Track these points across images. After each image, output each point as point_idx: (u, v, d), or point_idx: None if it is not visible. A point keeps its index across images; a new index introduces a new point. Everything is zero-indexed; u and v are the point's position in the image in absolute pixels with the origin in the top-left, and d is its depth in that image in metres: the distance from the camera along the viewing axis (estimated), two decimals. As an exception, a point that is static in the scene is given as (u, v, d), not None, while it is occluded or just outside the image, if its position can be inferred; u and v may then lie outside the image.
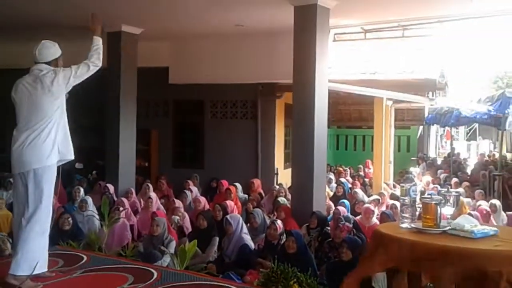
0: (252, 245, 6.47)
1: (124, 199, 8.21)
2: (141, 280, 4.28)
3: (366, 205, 8.37)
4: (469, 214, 7.10)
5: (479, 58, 42.27)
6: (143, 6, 8.19)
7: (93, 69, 4.24)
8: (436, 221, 2.83)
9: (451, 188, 10.79)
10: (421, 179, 13.18)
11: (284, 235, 6.16)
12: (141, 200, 8.98)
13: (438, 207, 2.84)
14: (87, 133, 11.04)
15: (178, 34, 10.47)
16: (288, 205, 7.99)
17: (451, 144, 17.41)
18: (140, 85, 9.89)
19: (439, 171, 14.60)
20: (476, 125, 23.20)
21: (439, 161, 17.92)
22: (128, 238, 6.98)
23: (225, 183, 9.82)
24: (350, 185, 11.30)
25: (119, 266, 4.71)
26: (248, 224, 7.03)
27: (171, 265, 5.76)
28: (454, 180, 11.93)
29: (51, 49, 4.20)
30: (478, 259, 2.49)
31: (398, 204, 7.30)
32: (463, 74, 31.53)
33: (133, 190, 9.22)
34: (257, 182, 10.45)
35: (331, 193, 10.24)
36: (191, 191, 9.27)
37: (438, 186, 11.34)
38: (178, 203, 8.00)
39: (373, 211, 7.86)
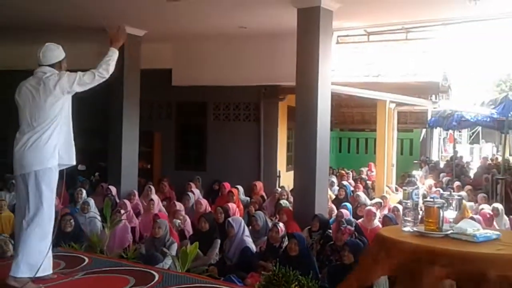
0: (253, 247, 6.46)
1: (127, 201, 8.21)
2: (143, 282, 4.28)
3: (368, 207, 8.37)
4: (472, 218, 7.11)
5: (483, 61, 42.21)
6: (146, 8, 8.20)
7: (98, 80, 4.19)
8: (438, 224, 2.82)
9: (453, 191, 10.78)
10: (423, 183, 13.15)
11: (286, 237, 6.15)
12: (143, 202, 8.98)
13: (441, 210, 2.83)
14: (89, 135, 11.06)
15: (181, 36, 10.48)
16: (290, 208, 7.97)
17: (454, 148, 17.38)
18: (143, 87, 9.91)
19: (441, 175, 14.56)
20: (479, 128, 23.18)
21: (441, 165, 17.89)
22: (129, 241, 6.98)
23: (227, 185, 9.81)
24: (352, 188, 11.27)
25: (121, 268, 4.71)
26: (250, 227, 7.02)
27: (172, 267, 5.75)
28: (457, 183, 11.91)
29: (55, 52, 4.20)
30: (480, 263, 2.48)
31: (400, 207, 7.31)
32: (467, 77, 31.50)
33: (136, 192, 9.22)
34: (259, 184, 10.43)
35: (333, 196, 10.22)
36: (193, 193, 9.26)
37: (441, 190, 11.31)
38: (179, 206, 7.98)
39: (374, 213, 7.85)
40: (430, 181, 12.97)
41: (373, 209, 8.13)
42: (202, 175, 11.34)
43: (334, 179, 12.43)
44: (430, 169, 16.17)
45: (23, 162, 3.97)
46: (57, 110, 4.04)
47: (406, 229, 2.98)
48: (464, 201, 8.75)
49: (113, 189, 9.18)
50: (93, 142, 11.36)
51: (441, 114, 14.87)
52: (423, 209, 3.08)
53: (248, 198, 9.69)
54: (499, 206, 8.55)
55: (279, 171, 11.25)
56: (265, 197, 9.93)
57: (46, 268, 4.07)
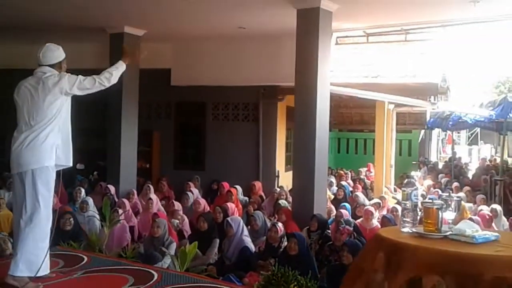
0: (252, 247, 6.47)
1: (125, 200, 8.22)
2: (142, 281, 4.28)
3: (367, 206, 8.39)
4: (470, 219, 7.13)
5: (482, 63, 42.26)
6: (146, 7, 8.21)
7: (98, 86, 4.20)
8: (437, 226, 2.83)
9: (452, 192, 10.79)
10: (422, 183, 13.17)
11: (285, 238, 6.17)
12: (142, 201, 8.98)
13: (440, 211, 2.84)
14: (88, 134, 11.08)
15: (180, 36, 10.48)
16: (289, 208, 7.98)
17: (453, 149, 17.40)
18: (142, 87, 9.91)
19: (440, 175, 14.58)
20: (478, 129, 23.20)
21: (440, 165, 17.91)
22: (127, 240, 6.98)
23: (226, 185, 9.82)
24: (351, 189, 11.29)
25: (120, 267, 4.72)
26: (249, 227, 7.03)
27: (171, 266, 5.76)
28: (455, 184, 11.93)
29: (55, 52, 4.21)
30: (479, 264, 2.49)
31: (399, 208, 7.33)
32: (466, 78, 31.55)
33: (135, 191, 9.23)
34: (258, 184, 10.44)
35: (332, 196, 10.24)
36: (192, 193, 9.26)
37: (439, 191, 11.35)
38: (177, 205, 7.98)
39: (373, 212, 7.88)
40: (429, 182, 12.99)
41: (372, 208, 8.16)
42: (201, 174, 11.34)
43: (333, 179, 12.43)
44: (428, 170, 16.19)
45: (20, 161, 3.98)
46: (55, 110, 4.04)
47: (405, 230, 2.99)
48: (463, 202, 8.78)
49: (112, 188, 9.19)
50: (92, 141, 11.38)
51: (439, 115, 14.89)
52: (422, 209, 3.09)
53: (246, 198, 9.70)
54: (498, 207, 8.58)
55: (278, 171, 11.26)
56: (264, 197, 9.93)
57: (44, 268, 4.07)
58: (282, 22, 8.48)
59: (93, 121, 11.05)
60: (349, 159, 19.25)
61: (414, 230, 2.93)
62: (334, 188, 11.35)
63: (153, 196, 8.74)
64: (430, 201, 3.13)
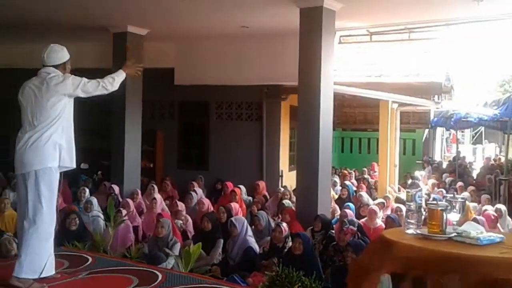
0: (256, 247, 6.46)
1: (130, 200, 8.22)
2: (146, 282, 4.28)
3: (371, 206, 8.38)
4: (475, 219, 7.11)
5: (486, 62, 42.14)
6: (149, 7, 8.21)
7: (101, 90, 4.24)
8: (442, 227, 2.82)
9: (456, 192, 10.77)
10: (426, 183, 13.15)
11: (289, 238, 6.16)
12: (146, 201, 8.99)
13: (444, 213, 2.84)
14: (92, 134, 11.10)
15: (183, 35, 10.49)
16: (293, 208, 7.97)
17: (457, 148, 17.36)
18: (145, 86, 9.92)
19: (444, 175, 14.54)
20: (482, 128, 23.15)
21: (444, 165, 17.86)
22: (131, 240, 6.98)
23: (230, 185, 9.82)
24: (354, 188, 11.27)
25: (124, 268, 4.72)
26: (253, 227, 7.03)
27: (175, 267, 5.76)
28: (460, 184, 11.89)
29: (59, 53, 4.22)
30: (484, 266, 2.48)
31: (403, 207, 7.31)
32: (470, 77, 31.47)
33: (139, 191, 9.24)
34: (262, 184, 10.45)
35: (336, 196, 10.22)
36: (196, 193, 9.27)
37: (444, 190, 11.32)
38: (180, 206, 7.98)
39: (377, 212, 7.87)
40: (433, 182, 12.95)
41: (375, 207, 8.15)
42: (205, 174, 11.35)
43: (337, 179, 12.43)
44: (433, 169, 16.15)
45: (23, 161, 3.99)
46: (59, 110, 4.05)
47: (409, 231, 2.98)
48: (467, 202, 8.75)
49: (116, 188, 9.20)
50: (96, 141, 11.40)
51: (443, 115, 14.85)
52: (426, 210, 3.08)
53: (250, 198, 9.71)
54: (502, 207, 8.54)
55: (282, 171, 11.25)
56: (268, 197, 9.93)
57: (49, 268, 4.08)
58: (285, 21, 8.47)
59: (97, 121, 11.07)
60: (353, 158, 19.22)
61: (418, 231, 2.92)
62: (338, 187, 11.34)
63: (157, 195, 8.75)
64: (435, 202, 3.11)
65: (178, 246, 6.30)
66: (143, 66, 4.64)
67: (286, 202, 8.41)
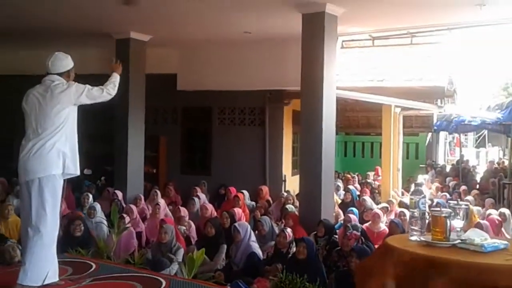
0: (260, 253, 6.46)
1: (133, 206, 8.23)
2: (150, 289, 4.29)
3: (374, 209, 8.37)
4: (479, 223, 7.09)
5: (489, 65, 42.02)
6: (152, 13, 8.23)
7: (105, 96, 4.35)
8: (445, 234, 2.81)
9: (460, 196, 10.76)
10: (430, 187, 13.12)
11: (294, 243, 6.15)
12: (149, 206, 9.00)
13: (448, 220, 2.83)
14: (95, 140, 11.12)
15: (186, 41, 10.51)
16: (296, 213, 7.97)
17: (460, 151, 17.32)
18: (148, 92, 9.95)
19: (448, 179, 14.52)
20: (486, 131, 23.09)
21: (448, 168, 17.83)
22: (134, 246, 6.98)
23: (233, 190, 9.81)
24: (358, 193, 11.26)
25: (128, 275, 4.73)
26: (256, 232, 7.03)
27: (179, 272, 5.76)
28: (463, 187, 11.86)
29: (64, 61, 4.26)
30: (488, 274, 2.47)
31: (406, 212, 7.30)
32: (473, 81, 31.41)
33: (142, 197, 9.25)
34: (265, 189, 10.44)
35: (339, 201, 10.21)
36: (199, 198, 9.27)
37: (447, 194, 11.31)
38: (183, 211, 7.97)
39: (380, 216, 7.87)
40: (437, 185, 12.92)
41: (379, 211, 8.15)
42: (208, 179, 11.35)
43: (340, 183, 12.41)
44: (436, 173, 16.12)
45: (27, 169, 4.00)
46: (63, 118, 4.08)
47: (413, 238, 2.97)
48: (470, 206, 8.73)
49: (120, 194, 9.20)
50: (99, 146, 11.41)
51: (446, 118, 14.84)
52: (429, 214, 3.07)
53: (253, 203, 9.69)
54: (506, 211, 8.51)
55: (285, 176, 11.25)
56: (271, 202, 9.93)
57: (53, 275, 4.09)
58: (287, 27, 8.48)
59: (100, 127, 11.07)
60: (356, 162, 19.21)
61: (422, 238, 2.91)
62: (341, 192, 11.33)
63: (161, 200, 8.76)
64: (438, 209, 3.10)
65: (181, 252, 6.30)
66: (118, 60, 4.73)
67: (290, 207, 8.41)
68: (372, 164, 16.92)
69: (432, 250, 2.72)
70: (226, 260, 6.59)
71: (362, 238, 6.53)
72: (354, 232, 6.46)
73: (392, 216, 8.65)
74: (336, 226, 7.68)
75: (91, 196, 8.91)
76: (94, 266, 4.94)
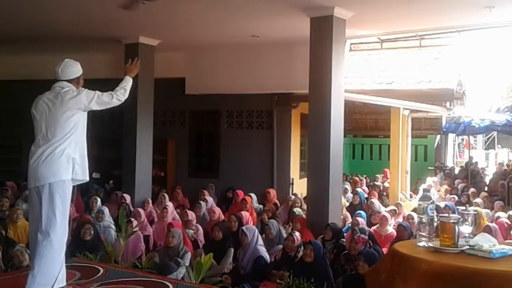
0: (267, 256, 6.44)
1: (141, 210, 8.24)
2: (157, 293, 4.29)
3: (382, 212, 8.34)
4: (488, 226, 7.04)
5: (498, 67, 41.78)
6: (161, 18, 8.26)
7: (115, 102, 4.32)
8: (454, 240, 2.80)
9: (468, 198, 10.70)
10: (438, 189, 13.05)
11: (302, 247, 6.14)
12: (157, 210, 9.01)
13: (456, 226, 2.81)
14: (104, 144, 11.17)
15: (194, 45, 10.53)
16: (304, 216, 7.95)
17: (469, 153, 17.22)
18: (156, 96, 9.97)
19: (456, 181, 14.42)
20: (495, 133, 22.96)
21: (456, 170, 17.72)
22: (141, 250, 6.99)
23: (240, 193, 9.80)
24: (366, 195, 11.22)
25: (135, 279, 4.73)
26: (264, 235, 7.01)
27: (186, 277, 5.76)
28: (472, 190, 11.78)
29: (74, 68, 4.28)
30: (496, 280, 2.46)
31: (415, 215, 7.26)
32: (481, 83, 31.22)
33: (150, 200, 9.27)
34: (272, 192, 10.42)
35: (347, 204, 10.18)
36: (207, 201, 9.27)
37: (456, 197, 11.24)
38: (190, 215, 7.97)
39: (388, 218, 7.85)
40: (446, 188, 12.85)
41: (388, 215, 8.11)
42: (216, 182, 11.37)
43: (348, 186, 12.38)
44: (445, 176, 16.03)
45: (37, 175, 4.01)
46: (72, 124, 4.09)
47: (421, 244, 2.96)
48: (479, 209, 8.67)
49: (128, 198, 9.23)
50: (108, 150, 11.47)
51: (455, 120, 14.77)
52: (437, 217, 3.06)
53: (261, 206, 9.68)
54: (516, 214, 8.44)
55: (292, 179, 11.23)
56: (279, 205, 9.91)
57: (61, 280, 4.10)
58: (295, 30, 8.48)
59: (109, 131, 11.13)
60: (364, 165, 19.14)
61: (430, 244, 2.90)
62: (349, 194, 11.29)
63: (169, 203, 8.77)
64: (447, 215, 3.08)
65: (188, 256, 6.31)
66: (138, 59, 4.70)
67: (297, 210, 8.38)
68: (380, 166, 16.85)
69: (441, 257, 2.71)
70: (233, 264, 6.58)
71: (370, 241, 6.49)
72: (362, 235, 6.43)
73: (400, 219, 8.62)
74: (344, 229, 7.66)
75: (99, 199, 8.93)
76: (102, 270, 4.94)
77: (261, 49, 10.23)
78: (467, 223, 2.91)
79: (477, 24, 8.80)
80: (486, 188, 13.32)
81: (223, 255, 6.62)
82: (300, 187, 10.79)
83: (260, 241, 6.55)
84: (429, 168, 17.94)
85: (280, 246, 6.70)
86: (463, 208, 3.07)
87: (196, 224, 7.86)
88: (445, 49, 12.60)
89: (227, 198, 10.88)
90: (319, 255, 5.71)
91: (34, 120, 4.17)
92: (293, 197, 10.01)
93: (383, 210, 8.98)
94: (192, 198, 10.28)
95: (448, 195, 11.89)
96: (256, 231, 6.67)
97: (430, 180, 14.30)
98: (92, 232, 6.68)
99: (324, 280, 5.46)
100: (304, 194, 8.96)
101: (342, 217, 8.28)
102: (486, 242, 2.80)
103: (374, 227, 7.86)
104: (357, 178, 14.43)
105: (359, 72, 12.13)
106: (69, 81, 4.22)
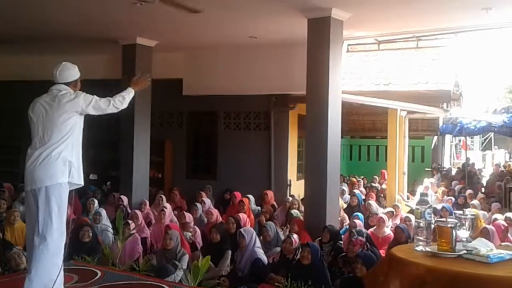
0: (265, 259, 6.43)
1: (138, 212, 8.22)
2: (155, 297, 4.29)
3: (379, 214, 8.34)
4: (485, 228, 7.06)
5: (494, 68, 41.88)
6: (158, 19, 8.26)
7: (112, 108, 4.29)
8: (451, 244, 2.81)
9: (465, 200, 10.72)
10: (435, 190, 13.07)
11: (300, 249, 6.14)
12: (155, 211, 9.00)
13: (454, 230, 2.82)
14: (101, 145, 11.16)
15: (192, 46, 10.53)
16: (301, 218, 7.95)
17: (466, 154, 17.25)
18: (154, 97, 9.96)
19: (453, 182, 14.43)
20: (492, 134, 23.00)
21: (453, 172, 17.76)
22: (139, 252, 6.98)
23: (238, 195, 9.79)
24: (363, 197, 11.22)
25: (133, 282, 4.74)
26: (261, 237, 7.01)
27: (184, 279, 5.76)
28: (469, 191, 11.80)
29: (72, 71, 4.27)
30: (494, 285, 2.46)
31: (412, 217, 7.27)
32: (479, 84, 31.32)
33: (147, 201, 9.25)
34: (270, 193, 10.42)
35: (344, 205, 10.18)
36: (204, 203, 9.26)
37: (453, 198, 11.25)
38: (188, 217, 7.95)
39: (385, 220, 7.85)
40: (443, 189, 12.86)
41: (385, 216, 8.12)
42: (213, 184, 11.36)
43: (345, 187, 12.38)
44: (442, 177, 16.05)
45: (34, 177, 4.00)
46: (69, 127, 4.08)
47: (418, 248, 2.96)
48: (476, 210, 8.69)
49: (125, 199, 9.21)
50: (105, 151, 11.45)
51: (452, 121, 14.80)
52: (435, 219, 3.06)
53: (259, 208, 9.68)
54: (512, 215, 8.45)
55: (290, 180, 11.23)
56: (276, 206, 9.91)
57: (59, 283, 4.08)
58: (293, 32, 8.48)
59: (106, 132, 11.12)
60: (362, 166, 19.16)
61: (428, 249, 2.90)
62: (347, 196, 11.30)
63: (167, 205, 8.75)
64: (444, 219, 3.09)
65: (186, 258, 6.30)
66: (150, 76, 4.65)
67: (295, 212, 8.39)
68: (377, 167, 16.86)
69: (438, 261, 2.71)
70: (231, 266, 6.58)
71: (368, 244, 6.49)
72: (359, 238, 6.42)
73: (398, 221, 8.63)
74: (341, 231, 7.66)
75: (96, 201, 8.92)
76: (99, 273, 4.95)
77: (258, 50, 10.24)
78: (464, 227, 2.91)
79: (475, 26, 8.81)
80: (483, 190, 13.36)
81: (220, 257, 6.62)
82: (297, 188, 10.78)
83: (258, 243, 6.55)
84: (426, 169, 17.96)
85: (278, 249, 6.70)
86: (461, 212, 3.07)
87: (194, 226, 7.84)
88: (443, 50, 12.63)
89: (224, 200, 10.87)
90: (316, 258, 5.71)
91: (31, 123, 4.16)
92: (290, 198, 10.01)
93: (381, 212, 8.99)
94: (190, 199, 10.26)
95: (445, 196, 11.90)
96: (254, 233, 6.66)
97: (427, 181, 14.31)
98: (91, 234, 6.69)
99: (321, 283, 5.46)
100: (302, 196, 8.96)
101: (339, 218, 8.28)
102: (484, 247, 2.81)
103: (371, 229, 7.87)
104: (354, 179, 14.43)
105: (356, 73, 12.15)
106: (67, 84, 4.20)
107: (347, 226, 7.98)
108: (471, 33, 13.67)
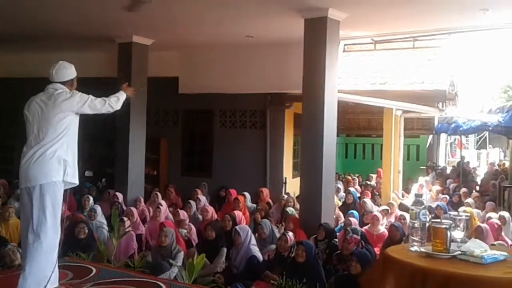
0: (260, 256, 6.46)
1: (133, 209, 8.22)
2: (150, 294, 4.30)
3: (374, 212, 8.38)
4: (479, 227, 7.10)
5: (490, 68, 42.03)
6: (155, 17, 8.23)
7: (107, 108, 4.33)
8: (446, 245, 2.83)
9: (460, 198, 10.77)
10: (430, 188, 13.12)
11: (295, 246, 6.16)
12: (150, 208, 9.00)
13: (448, 231, 2.84)
14: (96, 142, 11.13)
15: (188, 44, 10.51)
16: (297, 215, 7.97)
17: (461, 153, 17.32)
18: (150, 95, 9.95)
19: (448, 181, 14.50)
20: (487, 133, 23.09)
21: (448, 170, 17.83)
22: (134, 249, 6.99)
23: (233, 192, 9.81)
24: (358, 195, 11.25)
25: (128, 279, 4.74)
26: (256, 235, 7.03)
27: (179, 276, 5.78)
28: (463, 190, 11.86)
29: (68, 70, 4.28)
30: (487, 286, 2.48)
31: (407, 215, 7.31)
32: (474, 84, 31.42)
33: (142, 198, 9.25)
34: (265, 191, 10.43)
35: (339, 203, 10.21)
36: (199, 200, 9.26)
37: (447, 196, 11.30)
38: (183, 214, 7.96)
39: (379, 218, 7.89)
40: (437, 188, 12.92)
41: (379, 214, 8.15)
42: (208, 181, 11.37)
43: (340, 185, 12.42)
44: (437, 175, 16.11)
45: (28, 175, 4.00)
46: (64, 126, 4.08)
47: (413, 249, 2.98)
48: (470, 209, 8.74)
49: (120, 196, 9.21)
50: (100, 148, 11.44)
51: (447, 121, 14.85)
52: (429, 219, 3.08)
53: (254, 205, 9.69)
54: (506, 214, 8.50)
55: (285, 178, 11.25)
56: (271, 204, 9.93)
57: (53, 280, 4.09)
58: (289, 31, 8.47)
59: (101, 129, 11.09)
60: (357, 164, 19.21)
61: (422, 249, 2.92)
62: (342, 194, 11.33)
63: (162, 202, 8.76)
64: (439, 220, 3.11)
65: (181, 255, 6.32)
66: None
67: (290, 209, 8.40)
68: (372, 165, 16.92)
69: (432, 262, 2.73)
70: (226, 263, 6.60)
71: (362, 242, 6.52)
72: (354, 236, 6.46)
73: (393, 219, 8.67)
74: (336, 229, 7.69)
75: (91, 198, 8.92)
76: (94, 270, 4.95)
77: (255, 49, 10.22)
78: (459, 228, 2.94)
79: (472, 27, 8.83)
80: (477, 188, 13.43)
81: (216, 255, 6.64)
82: (293, 186, 10.81)
83: (253, 241, 6.57)
84: (421, 167, 18.03)
85: (273, 246, 6.72)
86: (455, 213, 3.10)
87: (189, 223, 7.85)
88: (439, 50, 12.66)
89: (220, 197, 10.88)
90: (310, 255, 5.73)
91: (26, 121, 4.15)
92: (286, 196, 10.02)
93: (376, 210, 9.03)
94: (185, 197, 10.25)
95: (440, 195, 11.96)
96: (249, 230, 6.68)
97: (422, 180, 14.37)
98: (86, 230, 6.69)
99: (316, 280, 5.49)
100: (297, 193, 8.99)
101: (334, 216, 8.31)
102: (478, 248, 2.83)
103: (366, 227, 7.90)
104: (349, 177, 14.47)
105: (352, 73, 12.15)
106: (63, 83, 4.21)
107: (342, 224, 8.01)
108: (467, 34, 13.66)
